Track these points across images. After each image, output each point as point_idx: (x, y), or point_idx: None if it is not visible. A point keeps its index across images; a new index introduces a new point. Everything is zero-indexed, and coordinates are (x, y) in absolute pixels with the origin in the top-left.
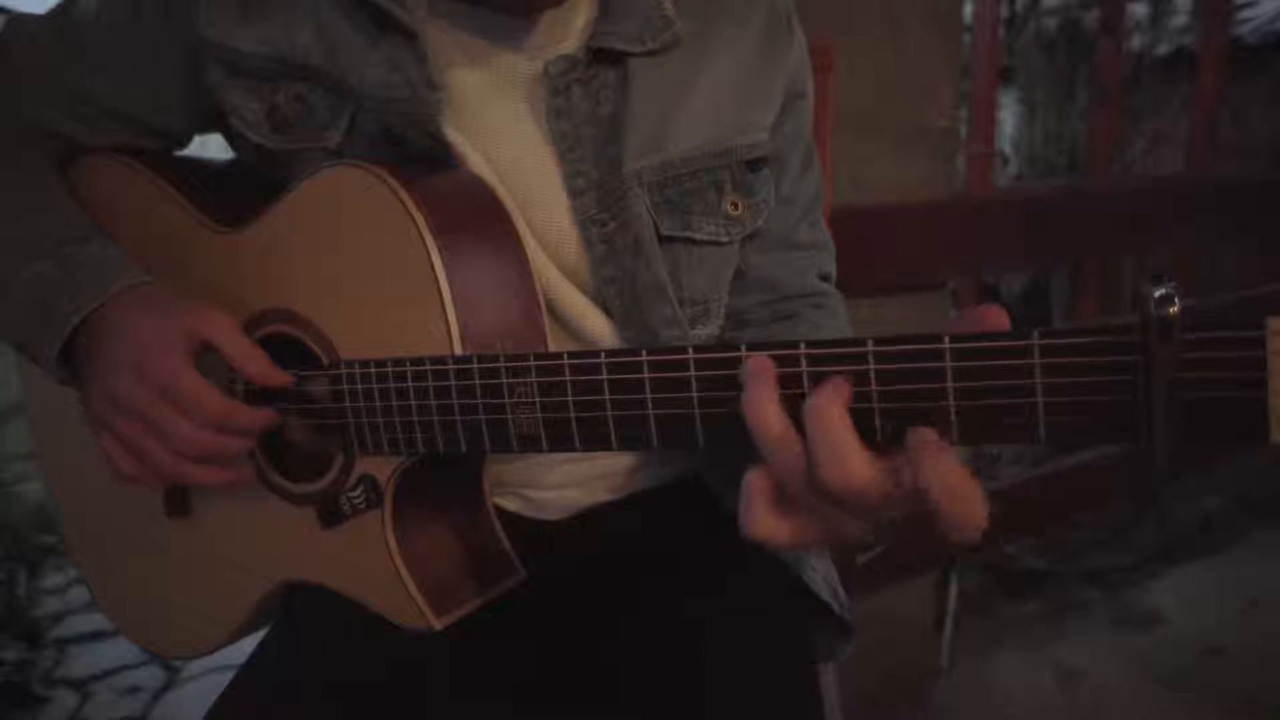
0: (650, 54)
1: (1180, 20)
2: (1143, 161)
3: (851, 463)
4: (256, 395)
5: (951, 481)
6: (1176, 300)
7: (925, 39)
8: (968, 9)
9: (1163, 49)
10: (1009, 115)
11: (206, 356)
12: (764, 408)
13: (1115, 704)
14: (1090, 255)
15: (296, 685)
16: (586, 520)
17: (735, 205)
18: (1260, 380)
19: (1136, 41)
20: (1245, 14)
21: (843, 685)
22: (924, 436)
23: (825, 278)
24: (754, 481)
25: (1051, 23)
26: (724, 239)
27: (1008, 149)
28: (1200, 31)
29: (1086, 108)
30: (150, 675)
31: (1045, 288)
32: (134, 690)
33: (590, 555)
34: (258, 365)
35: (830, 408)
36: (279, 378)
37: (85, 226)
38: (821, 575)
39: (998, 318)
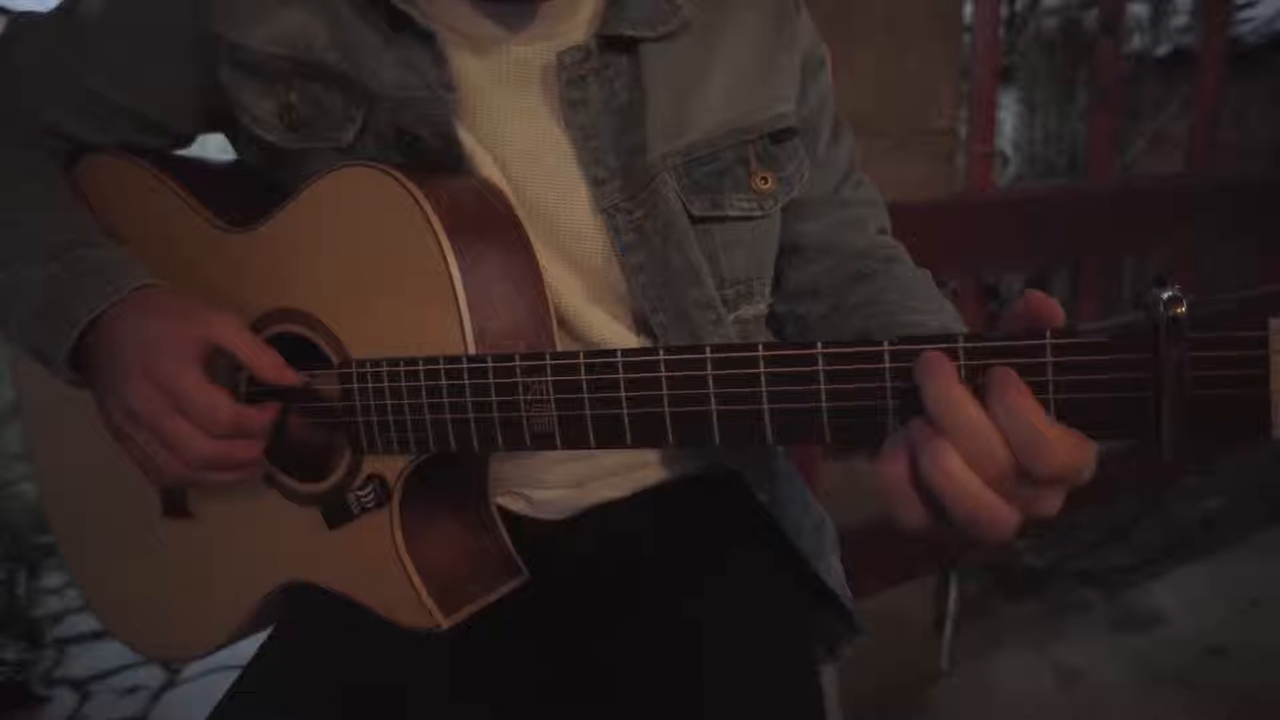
0: (661, 39)
1: (1180, 20)
2: (1143, 161)
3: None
4: (260, 395)
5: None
6: (1184, 302)
7: (925, 40)
8: (968, 9)
9: (1163, 49)
10: (1009, 115)
11: (216, 360)
12: (957, 397)
13: (1115, 704)
14: (1090, 255)
15: (298, 688)
16: (586, 520)
17: (764, 180)
18: (1263, 378)
19: (1136, 41)
20: (1245, 14)
21: (843, 686)
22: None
23: (882, 230)
24: (894, 472)
25: (1051, 23)
26: (758, 213)
27: (1008, 149)
28: (1200, 31)
29: (1086, 108)
30: (150, 675)
31: (1045, 288)
32: (134, 690)
33: (590, 555)
34: (270, 363)
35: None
36: (290, 376)
37: (92, 229)
38: (836, 572)
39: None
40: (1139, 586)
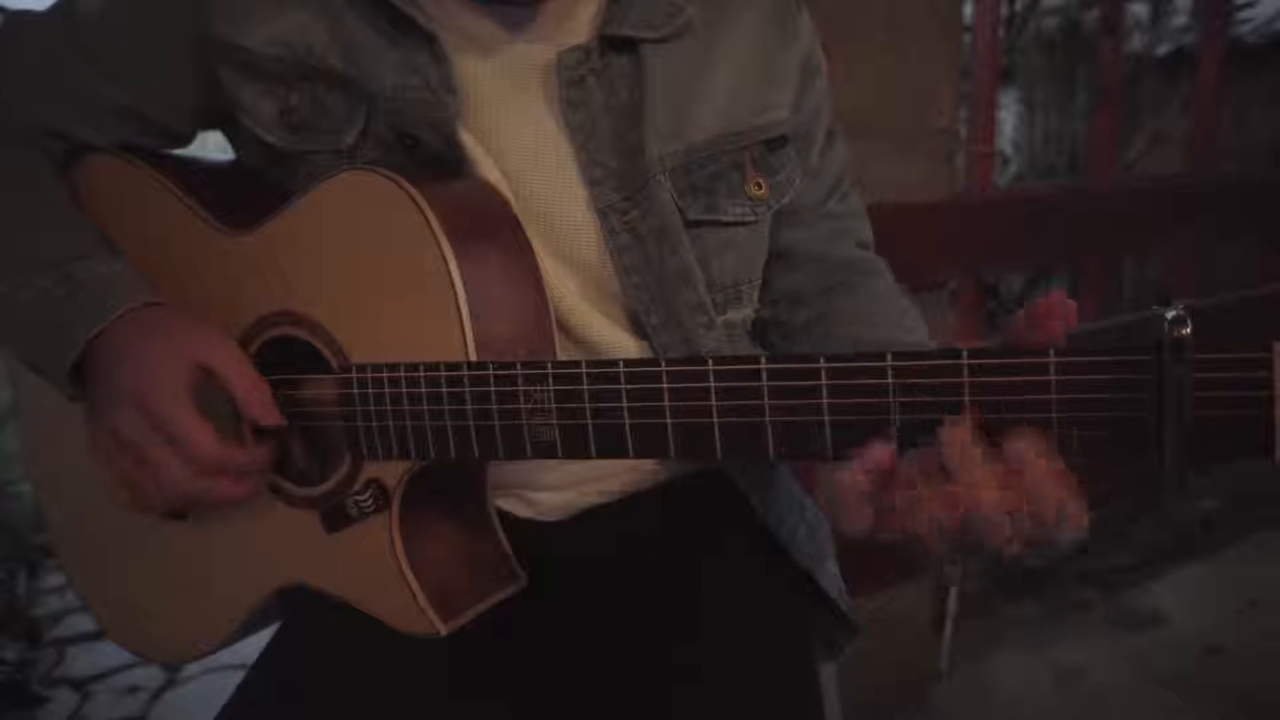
0: (662, 40)
1: (1180, 20)
2: (1143, 161)
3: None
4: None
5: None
6: (1188, 323)
7: (925, 39)
8: (968, 9)
9: (1163, 49)
10: (1009, 115)
11: (209, 382)
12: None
13: (1115, 704)
14: (1090, 255)
15: (299, 687)
16: (584, 521)
17: (759, 185)
18: (1267, 400)
19: (1136, 41)
20: (1245, 14)
21: (843, 686)
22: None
23: (864, 244)
24: (849, 482)
25: (1051, 23)
26: (750, 219)
27: (1008, 149)
28: (1200, 31)
29: (1086, 108)
30: (150, 675)
31: (1045, 288)
32: (134, 690)
33: (588, 556)
34: (258, 400)
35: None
36: (275, 417)
37: (89, 241)
38: (832, 575)
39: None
40: (1139, 586)
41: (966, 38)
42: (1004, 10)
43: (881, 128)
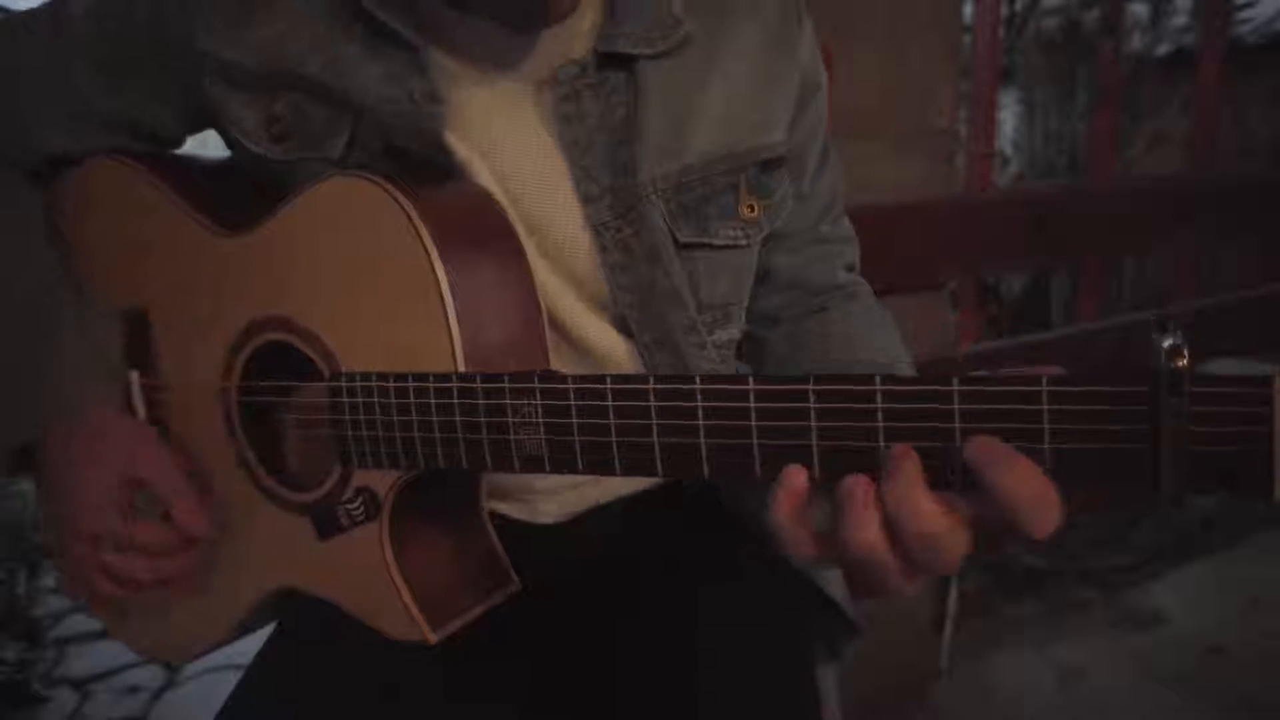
0: (660, 56)
1: (1180, 20)
2: (1143, 161)
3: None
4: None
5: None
6: (1186, 352)
7: (925, 40)
8: (968, 9)
9: (1163, 49)
10: (1009, 115)
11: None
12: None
13: (1115, 704)
14: (1090, 255)
15: (296, 687)
16: (581, 523)
17: (751, 208)
18: (1266, 435)
19: (1136, 41)
20: (1245, 14)
21: (843, 686)
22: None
23: (850, 268)
24: (781, 519)
25: (1051, 23)
26: (743, 242)
27: (1008, 149)
28: (1200, 31)
29: (1086, 108)
30: (150, 675)
31: (1045, 288)
32: (134, 690)
33: (585, 558)
34: (185, 507)
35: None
36: (201, 526)
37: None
38: (834, 575)
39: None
40: (1139, 586)
41: (966, 38)
42: (1004, 10)
43: (882, 128)
